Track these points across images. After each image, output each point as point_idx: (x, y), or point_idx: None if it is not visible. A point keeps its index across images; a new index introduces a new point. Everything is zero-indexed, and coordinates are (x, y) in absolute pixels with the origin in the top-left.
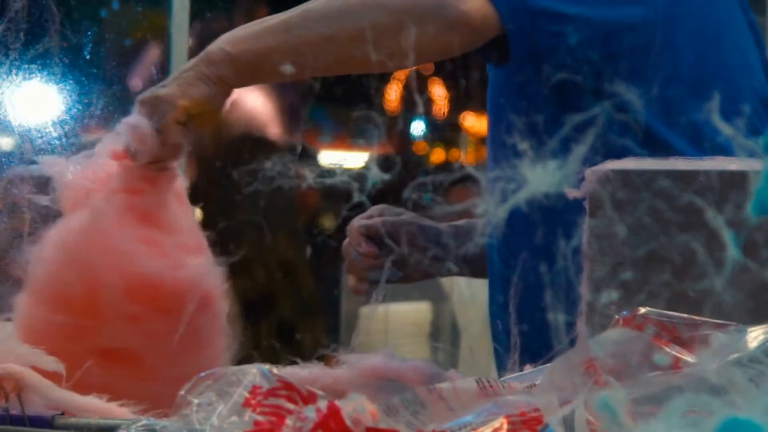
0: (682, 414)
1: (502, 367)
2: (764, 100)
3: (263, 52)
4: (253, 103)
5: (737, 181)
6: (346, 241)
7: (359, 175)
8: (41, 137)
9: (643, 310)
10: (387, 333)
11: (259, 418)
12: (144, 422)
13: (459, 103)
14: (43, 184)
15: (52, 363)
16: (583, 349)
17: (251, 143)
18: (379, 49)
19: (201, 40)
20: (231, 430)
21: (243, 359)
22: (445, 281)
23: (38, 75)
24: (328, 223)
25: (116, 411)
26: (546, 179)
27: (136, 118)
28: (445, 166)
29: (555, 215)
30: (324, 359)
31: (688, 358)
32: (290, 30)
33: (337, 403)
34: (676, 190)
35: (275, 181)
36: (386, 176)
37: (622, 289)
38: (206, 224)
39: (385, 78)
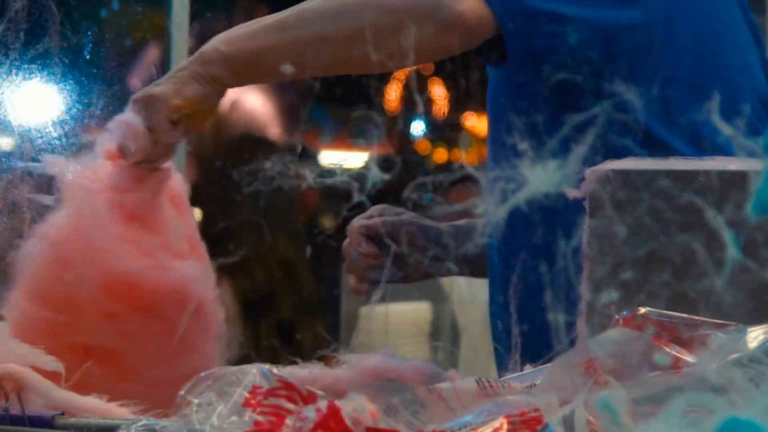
0: (681, 414)
1: (502, 367)
2: (764, 101)
3: (258, 52)
4: (253, 103)
5: (737, 181)
6: (347, 241)
7: (359, 175)
8: (41, 137)
9: (643, 310)
10: (387, 333)
11: (259, 418)
12: (144, 422)
13: (459, 103)
14: (44, 184)
15: (52, 363)
16: (583, 349)
17: (251, 143)
18: (374, 49)
19: (201, 40)
20: (231, 430)
21: (243, 359)
22: (445, 281)
23: (38, 75)
24: (328, 223)
25: (116, 411)
26: (546, 179)
27: (128, 115)
28: (446, 166)
29: (555, 215)
30: (324, 359)
31: (688, 358)
32: (285, 30)
33: (337, 403)
34: (676, 190)
35: (275, 181)
36: (386, 176)
37: (622, 289)
38: (206, 224)
39: (385, 78)
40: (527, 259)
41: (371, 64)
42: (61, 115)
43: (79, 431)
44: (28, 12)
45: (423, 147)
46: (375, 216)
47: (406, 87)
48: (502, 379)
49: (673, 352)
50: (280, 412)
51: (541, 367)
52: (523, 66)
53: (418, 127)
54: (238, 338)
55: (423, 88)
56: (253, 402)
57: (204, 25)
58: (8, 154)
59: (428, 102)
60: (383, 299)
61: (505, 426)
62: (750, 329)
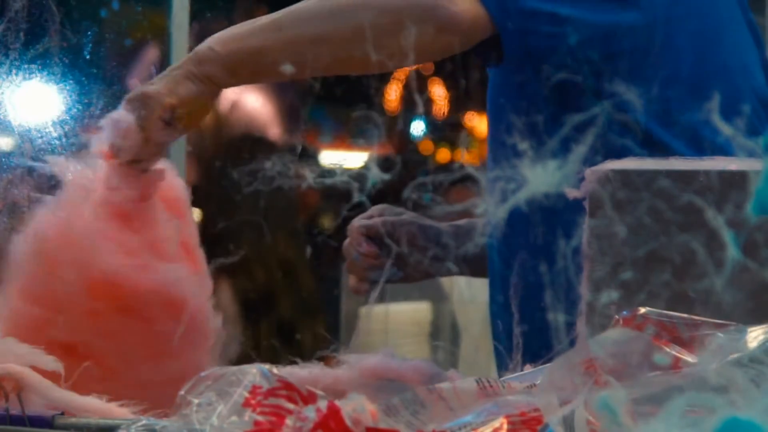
0: (681, 414)
1: (502, 367)
2: (763, 101)
3: (252, 52)
4: (253, 103)
5: (737, 181)
6: (347, 241)
7: (359, 175)
8: (41, 137)
9: (643, 310)
10: (387, 333)
11: (259, 418)
12: (144, 422)
13: (459, 102)
14: (44, 184)
15: (52, 363)
16: (583, 349)
17: (251, 143)
18: (369, 49)
19: (201, 40)
20: (231, 430)
21: (243, 359)
22: (445, 281)
23: (38, 75)
24: (328, 223)
25: (116, 411)
26: (546, 179)
27: (120, 113)
28: (448, 166)
29: (555, 215)
30: (324, 359)
31: (688, 358)
32: (280, 29)
33: (337, 403)
34: (676, 190)
35: (275, 181)
36: (386, 176)
37: (622, 289)
38: (206, 224)
39: (385, 78)
40: (527, 259)
41: (367, 64)
42: (61, 115)
43: (79, 431)
44: (28, 12)
45: (426, 147)
46: (375, 216)
47: (406, 87)
48: (502, 379)
49: (673, 352)
50: (280, 412)
51: (541, 367)
52: (520, 66)
53: (418, 127)
54: (238, 338)
55: (423, 88)
56: (253, 402)
57: (204, 25)
58: (8, 154)
59: (428, 102)
60: (383, 299)
61: (505, 426)
62: (750, 329)
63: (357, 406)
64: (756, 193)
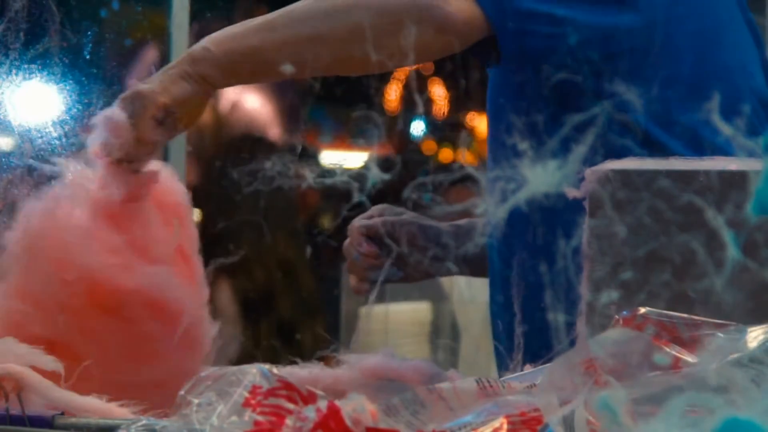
0: (681, 414)
1: (502, 367)
2: (763, 101)
3: (246, 52)
4: (253, 103)
5: (737, 181)
6: (347, 241)
7: (359, 175)
8: (41, 137)
9: (643, 310)
10: (387, 333)
11: (259, 418)
12: (144, 422)
13: (459, 102)
14: (44, 184)
15: (52, 363)
16: (583, 349)
17: (251, 143)
18: (364, 49)
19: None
20: (231, 430)
21: (243, 359)
22: (445, 281)
23: (38, 75)
24: (328, 223)
25: (116, 411)
26: (546, 179)
27: (113, 110)
28: (446, 166)
29: (555, 215)
30: (324, 359)
31: (688, 358)
32: (275, 30)
33: (337, 403)
34: (676, 190)
35: (275, 181)
36: (386, 176)
37: (622, 289)
38: (206, 224)
39: (385, 78)
40: (527, 259)
41: (362, 65)
42: (61, 115)
43: (79, 431)
44: (28, 12)
45: (427, 147)
46: (375, 216)
47: (406, 87)
48: (502, 379)
49: (673, 352)
50: (280, 412)
51: (541, 367)
52: (518, 66)
53: (418, 127)
54: (237, 338)
55: (423, 88)
56: (253, 402)
57: (204, 25)
58: (8, 154)
59: (428, 102)
60: (383, 299)
61: (505, 426)
62: (750, 329)
63: (357, 406)
64: (756, 193)
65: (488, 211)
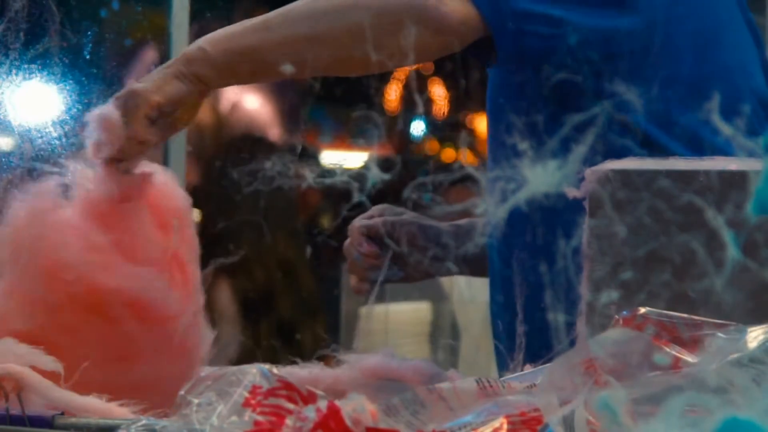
0: (681, 413)
1: (502, 367)
2: (763, 101)
3: (241, 52)
4: (253, 103)
5: (737, 181)
6: (348, 241)
7: (359, 175)
8: (41, 137)
9: (643, 310)
10: (387, 333)
11: (259, 418)
12: (144, 422)
13: (459, 102)
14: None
15: (51, 363)
16: (583, 349)
17: (251, 143)
18: (359, 50)
19: None
20: (231, 430)
21: (243, 359)
22: (445, 281)
23: (38, 75)
24: (328, 223)
25: (116, 411)
26: (546, 179)
27: (106, 108)
28: (446, 166)
29: (555, 215)
30: (324, 359)
31: (688, 358)
32: (270, 30)
33: (337, 403)
34: (676, 190)
35: (275, 181)
36: (386, 176)
37: (622, 289)
38: (206, 224)
39: (385, 78)
40: (527, 259)
41: (358, 65)
42: (61, 115)
43: (79, 431)
44: (28, 12)
45: (430, 147)
46: (375, 216)
47: (406, 87)
48: (502, 379)
49: (673, 352)
50: (280, 412)
51: (541, 367)
52: (515, 66)
53: (418, 127)
54: (237, 338)
55: (423, 88)
56: (253, 402)
57: (204, 25)
58: (8, 154)
59: (428, 102)
60: (383, 299)
61: (505, 426)
62: (750, 329)
63: (357, 406)
64: (756, 193)
65: (488, 211)
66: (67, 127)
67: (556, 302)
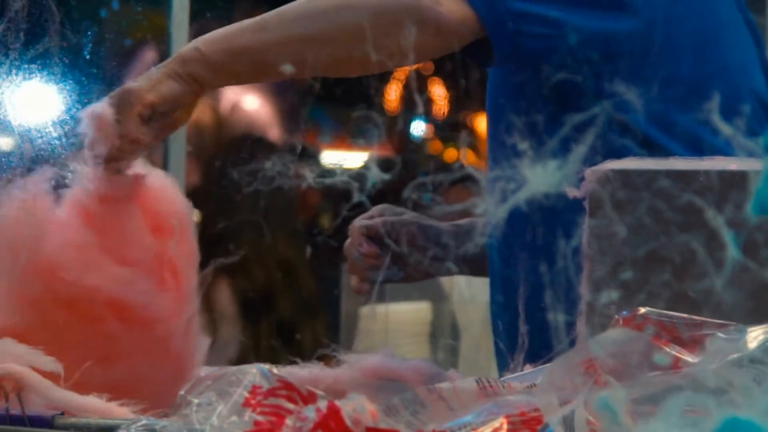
0: (680, 413)
1: (502, 367)
2: (763, 101)
3: (237, 52)
4: (253, 103)
5: (737, 181)
6: (348, 241)
7: (359, 175)
8: (41, 137)
9: (643, 310)
10: (387, 333)
11: (259, 418)
12: (144, 422)
13: (459, 102)
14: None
15: (50, 363)
16: (583, 349)
17: (251, 143)
18: (355, 50)
19: None
20: (231, 430)
21: (243, 359)
22: (445, 281)
23: (38, 75)
24: (328, 223)
25: (116, 411)
26: (546, 179)
27: (99, 105)
28: (447, 166)
29: (555, 215)
30: (324, 359)
31: (688, 358)
32: (266, 30)
33: (337, 403)
34: (676, 190)
35: (275, 181)
36: (386, 176)
37: (622, 289)
38: (206, 224)
39: (385, 78)
40: (527, 259)
41: (354, 65)
42: (61, 115)
43: (79, 431)
44: (28, 12)
45: (430, 147)
46: (376, 216)
47: (406, 87)
48: (502, 379)
49: (673, 352)
50: (280, 412)
51: (541, 367)
52: (513, 66)
53: (418, 127)
54: (238, 338)
55: (423, 88)
56: (253, 402)
57: (204, 25)
58: (8, 154)
59: (428, 102)
60: (383, 299)
61: (505, 426)
62: (750, 329)
63: (357, 406)
64: (756, 193)
65: (488, 211)
66: (67, 127)
67: (556, 302)
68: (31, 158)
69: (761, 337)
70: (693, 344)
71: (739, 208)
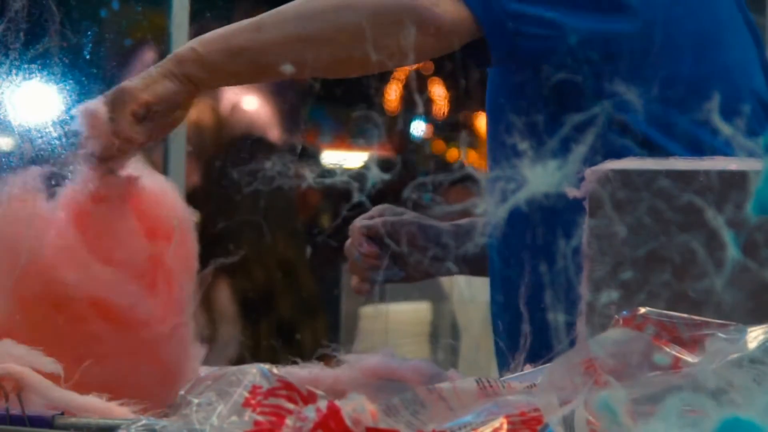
0: (679, 413)
1: (503, 367)
2: (763, 101)
3: (233, 52)
4: (253, 103)
5: (737, 181)
6: (348, 241)
7: (359, 175)
8: (41, 137)
9: (643, 310)
10: (387, 333)
11: (259, 418)
12: (144, 422)
13: (459, 102)
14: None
15: (50, 364)
16: (583, 349)
17: (251, 143)
18: (351, 51)
19: None
20: (231, 430)
21: (243, 359)
22: (445, 281)
23: (38, 75)
24: (328, 223)
25: (116, 411)
26: (546, 179)
27: (93, 102)
28: (447, 166)
29: (555, 215)
30: (324, 359)
31: (688, 358)
32: (261, 30)
33: (337, 403)
34: (676, 190)
35: (275, 181)
36: (386, 176)
37: (622, 289)
38: (206, 224)
39: (385, 78)
40: (527, 259)
41: (351, 66)
42: (61, 115)
43: (79, 431)
44: (28, 12)
45: (432, 147)
46: (376, 216)
47: (406, 87)
48: (502, 379)
49: (673, 352)
50: (280, 412)
51: (541, 367)
52: (513, 67)
53: (418, 127)
54: (238, 338)
55: (423, 88)
56: (253, 402)
57: (204, 25)
58: (8, 154)
59: (428, 102)
60: (383, 299)
61: (505, 426)
62: (750, 329)
63: (357, 406)
64: (756, 193)
65: (488, 211)
66: (67, 127)
67: (556, 302)
68: (31, 158)
69: (761, 337)
70: (693, 344)
71: (739, 208)
